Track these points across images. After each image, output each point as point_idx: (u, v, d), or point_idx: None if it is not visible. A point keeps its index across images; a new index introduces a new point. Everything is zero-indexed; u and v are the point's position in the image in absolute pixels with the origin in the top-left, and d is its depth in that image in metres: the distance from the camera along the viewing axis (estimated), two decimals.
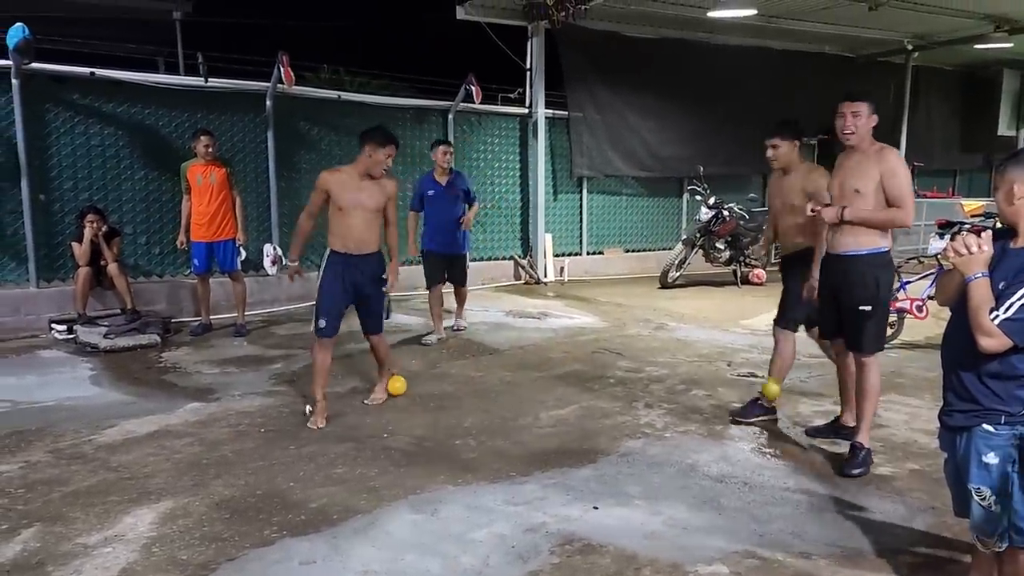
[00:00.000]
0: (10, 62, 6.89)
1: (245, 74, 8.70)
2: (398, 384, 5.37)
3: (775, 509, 3.62)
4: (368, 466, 4.12)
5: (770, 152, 4.83)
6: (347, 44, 14.55)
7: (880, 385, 4.21)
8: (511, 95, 11.49)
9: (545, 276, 10.91)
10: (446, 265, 7.39)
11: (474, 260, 10.50)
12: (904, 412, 5.06)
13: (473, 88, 9.58)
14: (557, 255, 11.16)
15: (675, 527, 3.42)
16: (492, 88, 10.75)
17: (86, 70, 7.56)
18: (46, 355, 6.55)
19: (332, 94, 9.44)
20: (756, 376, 5.89)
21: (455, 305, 7.72)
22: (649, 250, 12.28)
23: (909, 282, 7.11)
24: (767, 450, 4.38)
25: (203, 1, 12.43)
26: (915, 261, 8.07)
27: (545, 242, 10.98)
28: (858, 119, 4.00)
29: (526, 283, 10.79)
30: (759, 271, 10.83)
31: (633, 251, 12.20)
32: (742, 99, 12.07)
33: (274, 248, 8.10)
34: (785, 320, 4.85)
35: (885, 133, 4.06)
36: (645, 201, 12.32)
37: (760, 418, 4.83)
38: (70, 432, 4.60)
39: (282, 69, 7.96)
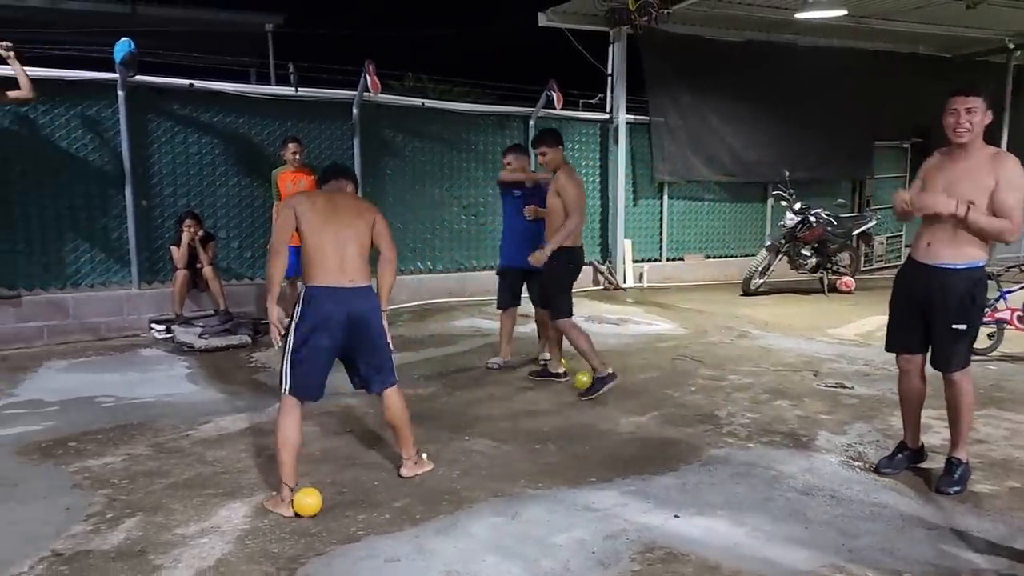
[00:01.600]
0: (116, 75, 7.29)
1: (333, 83, 8.95)
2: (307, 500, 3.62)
3: (864, 524, 3.51)
4: (449, 467, 4.18)
5: None
6: (430, 52, 14.80)
7: (974, 397, 4.00)
8: (592, 101, 11.48)
9: (624, 282, 10.85)
10: (524, 283, 6.39)
11: None
12: (1004, 427, 4.84)
13: (554, 94, 9.63)
14: (636, 261, 11.10)
15: (759, 538, 3.36)
16: (573, 94, 10.75)
17: (185, 82, 7.94)
18: (146, 353, 6.88)
19: (416, 102, 9.63)
20: (844, 387, 5.73)
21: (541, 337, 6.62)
22: (731, 256, 12.08)
23: (1010, 292, 6.79)
24: (856, 463, 4.26)
25: (294, 13, 12.87)
26: (1016, 270, 7.71)
27: (624, 248, 10.93)
28: (973, 116, 3.66)
29: (605, 289, 10.75)
30: (848, 279, 10.53)
31: (714, 257, 12.02)
32: (830, 102, 11.77)
33: None
34: None
35: (985, 136, 3.83)
36: (727, 206, 12.12)
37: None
38: (169, 427, 4.83)
39: (368, 78, 8.18)
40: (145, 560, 3.17)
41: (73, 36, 9.84)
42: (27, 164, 7.20)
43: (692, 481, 4.00)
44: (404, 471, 4.05)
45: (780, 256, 10.35)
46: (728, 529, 3.45)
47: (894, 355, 4.15)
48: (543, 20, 10.21)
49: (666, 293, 10.54)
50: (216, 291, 7.48)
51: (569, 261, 5.63)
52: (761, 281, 10.28)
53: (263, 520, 3.53)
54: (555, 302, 5.66)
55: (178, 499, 3.76)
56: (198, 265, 7.46)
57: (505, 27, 15.12)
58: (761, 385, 5.85)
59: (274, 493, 3.71)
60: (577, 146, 10.77)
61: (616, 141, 10.83)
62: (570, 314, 5.65)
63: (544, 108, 10.02)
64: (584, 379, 5.54)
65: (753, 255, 11.14)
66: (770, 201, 12.17)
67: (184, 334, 7.04)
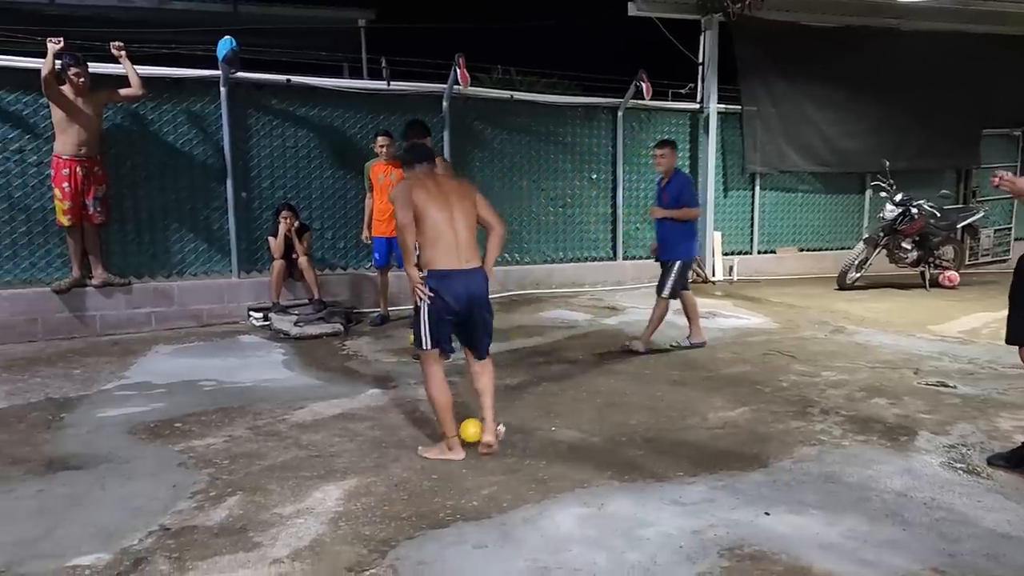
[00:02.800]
0: (219, 72, 7.59)
1: (424, 77, 9.08)
2: (470, 429, 4.38)
3: (966, 528, 3.37)
4: (536, 458, 4.21)
5: None
6: (518, 44, 14.82)
7: None
8: (681, 91, 11.30)
9: (713, 275, 10.66)
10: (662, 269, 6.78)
11: (640, 258, 10.46)
12: None
13: (643, 84, 9.53)
14: (726, 254, 10.88)
15: (854, 540, 3.26)
16: (663, 84, 10.60)
17: (283, 77, 8.20)
18: (245, 340, 7.16)
19: (504, 94, 9.69)
20: (947, 386, 5.49)
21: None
22: (826, 249, 11.71)
23: None
24: (958, 465, 4.08)
25: (386, 8, 13.10)
26: None
27: (714, 240, 10.73)
28: None
29: (693, 282, 10.52)
30: (951, 273, 10.07)
31: (808, 250, 11.67)
32: (934, 87, 11.27)
33: None
34: None
35: None
36: (823, 198, 11.75)
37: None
38: (266, 411, 5.02)
39: (458, 71, 8.28)
40: (245, 537, 3.31)
41: (178, 35, 10.29)
42: (137, 159, 7.59)
43: (783, 479, 3.91)
44: (488, 436, 4.29)
45: (879, 249, 9.98)
46: (821, 529, 3.36)
47: (1008, 352, 3.95)
48: (632, 10, 10.10)
49: (757, 287, 10.29)
50: (311, 280, 7.72)
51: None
52: (858, 275, 9.93)
53: (355, 503, 3.64)
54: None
55: (275, 480, 3.91)
56: (294, 255, 7.71)
57: (593, 18, 15.02)
58: (857, 382, 5.66)
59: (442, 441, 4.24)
60: (667, 137, 10.59)
61: (707, 131, 10.64)
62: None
63: (633, 99, 9.92)
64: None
65: (849, 248, 10.79)
66: (868, 192, 11.74)
67: (280, 322, 7.30)
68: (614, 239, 10.38)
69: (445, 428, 4.23)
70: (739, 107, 10.82)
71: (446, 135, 8.97)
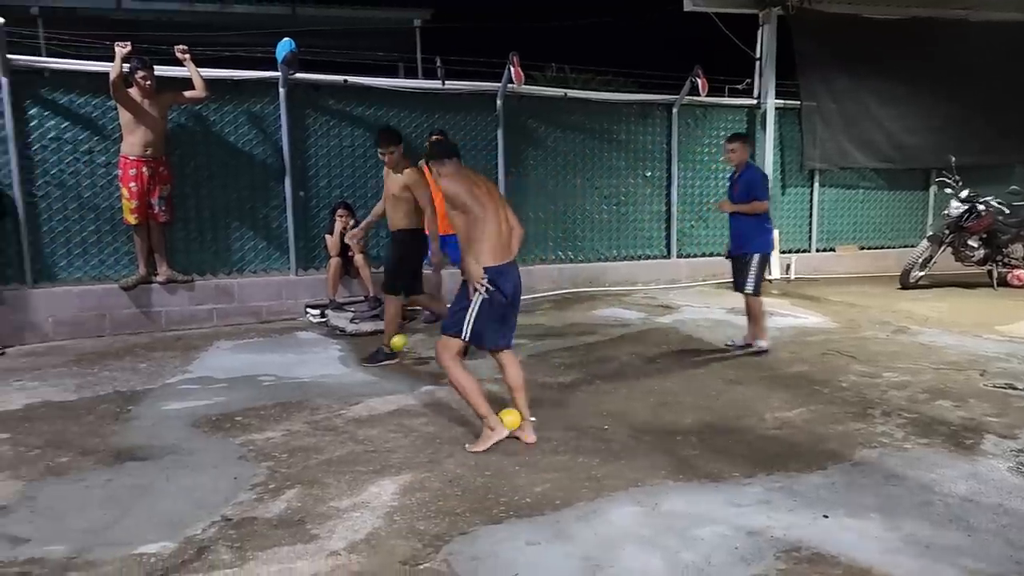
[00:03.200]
0: (278, 73, 7.75)
1: (478, 75, 9.13)
2: (510, 418, 4.43)
3: None
4: (589, 456, 4.20)
5: None
6: (572, 42, 14.80)
7: None
8: (738, 86, 11.13)
9: (770, 273, 10.47)
10: (733, 267, 6.68)
11: (694, 256, 10.35)
12: None
13: (699, 80, 9.41)
14: (783, 252, 10.68)
15: (916, 544, 3.18)
16: (719, 80, 10.47)
17: (340, 78, 8.33)
18: (302, 336, 7.30)
19: (558, 92, 9.67)
20: (1015, 388, 5.31)
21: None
22: (888, 247, 11.42)
23: None
24: None
25: (441, 8, 13.20)
26: None
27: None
28: None
29: None
30: (1021, 272, 9.72)
31: (869, 248, 11.39)
32: (1004, 81, 10.89)
33: None
34: None
35: None
36: (884, 194, 11.45)
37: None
38: (323, 406, 5.11)
39: (512, 69, 8.30)
40: (303, 529, 3.38)
41: (239, 38, 10.53)
42: (200, 159, 7.79)
43: (842, 481, 3.83)
44: (532, 436, 4.39)
45: (943, 247, 9.69)
46: (881, 533, 3.29)
47: None
48: (689, 5, 9.97)
49: (815, 285, 10.09)
50: (366, 278, 7.83)
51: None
52: (922, 274, 9.66)
53: (410, 498, 3.68)
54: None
55: (332, 474, 3.98)
56: (350, 253, 7.83)
57: (648, 14, 14.91)
58: (920, 384, 5.51)
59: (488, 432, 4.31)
60: (722, 133, 10.46)
61: (764, 127, 10.47)
62: None
63: (688, 95, 9.81)
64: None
65: (912, 246, 10.49)
66: (932, 188, 11.42)
67: (337, 318, 7.42)
68: (668, 237, 10.29)
69: (481, 410, 4.31)
70: (798, 103, 10.61)
71: (500, 133, 9.00)
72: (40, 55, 8.22)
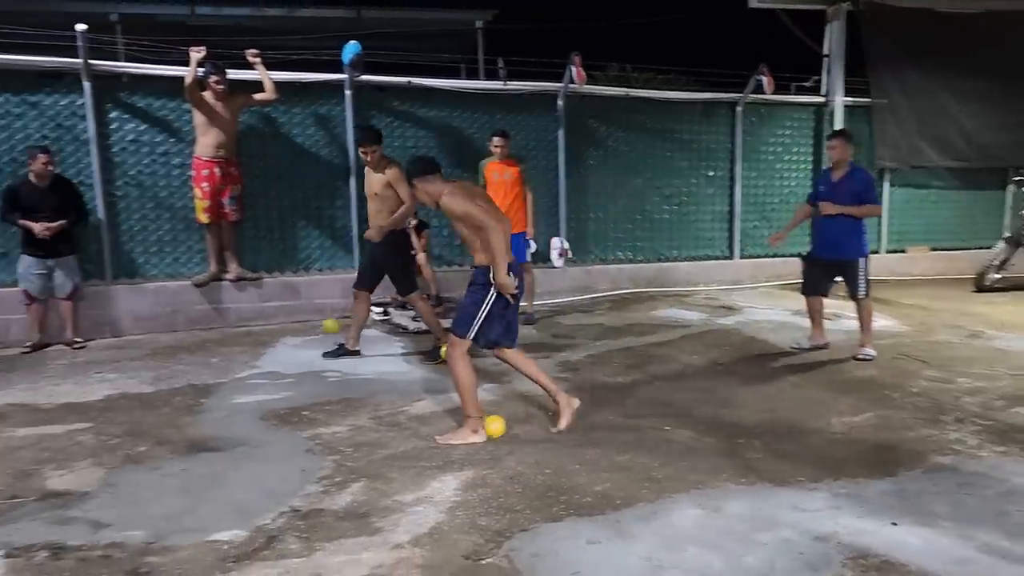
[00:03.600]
0: (344, 75, 7.91)
1: (540, 76, 9.14)
2: (495, 426, 4.56)
3: None
4: (650, 456, 4.19)
5: None
6: (635, 41, 14.71)
7: None
8: (805, 84, 10.92)
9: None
10: (832, 272, 6.48)
11: (758, 257, 10.19)
12: None
13: (764, 78, 9.27)
14: None
15: (991, 554, 3.09)
16: (784, 77, 10.28)
17: (404, 79, 8.45)
18: (367, 333, 7.37)
19: (620, 91, 9.63)
20: None
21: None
22: (962, 249, 11.04)
23: None
24: None
25: (504, 9, 13.26)
26: None
27: None
28: None
29: None
30: None
31: (942, 250, 11.04)
32: None
33: (561, 242, 8.51)
34: None
35: None
36: (958, 194, 11.08)
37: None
38: (387, 402, 5.20)
39: (574, 69, 8.31)
40: (368, 522, 3.45)
41: (306, 41, 10.75)
42: (269, 159, 8.00)
43: (912, 488, 3.74)
44: (565, 420, 4.60)
45: (1021, 248, 9.34)
46: (953, 542, 3.20)
47: None
48: (754, 2, 9.83)
49: (884, 287, 9.81)
50: (428, 277, 7.93)
51: None
52: (998, 276, 9.33)
53: (471, 494, 3.73)
54: None
55: (396, 469, 4.05)
56: (412, 252, 7.93)
57: (712, 11, 14.72)
58: (996, 390, 5.33)
59: (466, 426, 4.47)
60: (788, 132, 10.30)
61: (832, 125, 10.23)
62: None
63: (753, 93, 9.67)
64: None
65: (988, 247, 10.13)
66: (1011, 188, 10.99)
67: (399, 317, 7.54)
68: (730, 237, 10.15)
69: (470, 409, 4.47)
70: (867, 100, 10.37)
71: (560, 133, 9.02)
72: (119, 60, 8.51)
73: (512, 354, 4.66)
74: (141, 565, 3.08)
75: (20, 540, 3.29)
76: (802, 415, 4.88)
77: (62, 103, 7.28)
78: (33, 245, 6.70)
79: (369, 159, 6.18)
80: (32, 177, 6.67)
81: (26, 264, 6.73)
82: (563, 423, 4.59)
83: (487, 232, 4.29)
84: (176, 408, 5.13)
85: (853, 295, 6.36)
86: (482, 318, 4.40)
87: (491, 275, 4.35)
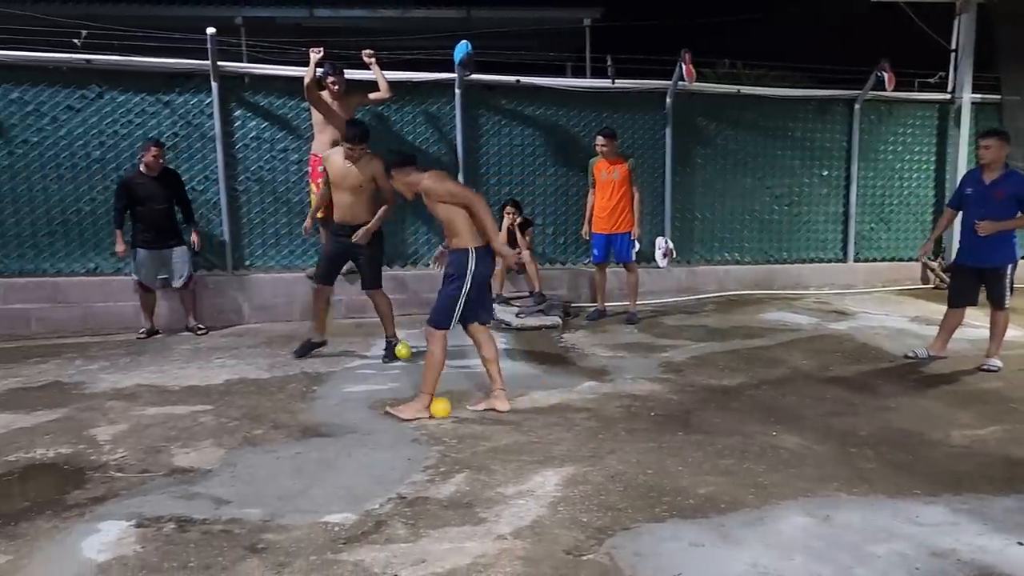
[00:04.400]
0: (454, 75, 8.05)
1: (647, 73, 9.06)
2: (440, 406, 4.88)
3: None
4: (756, 462, 4.10)
5: None
6: (746, 37, 14.35)
7: None
8: (929, 80, 10.39)
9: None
10: (979, 280, 6.08)
11: (873, 260, 9.80)
12: None
13: (886, 75, 8.88)
14: None
15: None
16: (906, 73, 9.81)
17: (512, 78, 8.54)
18: None
19: (731, 89, 9.42)
20: None
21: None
22: None
23: None
24: None
25: (611, 7, 13.19)
26: None
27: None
28: None
29: (935, 287, 9.71)
30: None
31: None
32: None
33: (666, 241, 8.41)
34: None
35: None
36: None
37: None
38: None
39: (684, 67, 8.19)
40: (472, 512, 3.52)
41: (418, 41, 11.00)
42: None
43: None
44: (505, 404, 4.93)
45: None
46: None
47: None
48: None
49: (1016, 295, 9.23)
50: (532, 274, 7.99)
51: None
52: None
53: (573, 490, 3.75)
54: None
55: (499, 461, 4.11)
56: (516, 249, 8.00)
57: (829, 5, 14.21)
58: None
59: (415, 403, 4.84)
60: (910, 130, 9.84)
61: (958, 124, 9.73)
62: None
63: (872, 90, 9.29)
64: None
65: None
66: None
67: (503, 313, 7.63)
68: (845, 240, 9.79)
69: (428, 387, 4.79)
70: (997, 97, 9.79)
71: (668, 132, 8.91)
72: (242, 61, 8.95)
73: (483, 335, 4.99)
74: (259, 541, 3.25)
75: (150, 512, 3.52)
76: (919, 426, 4.67)
77: (191, 102, 7.71)
78: (146, 238, 7.11)
79: (356, 156, 5.99)
80: (142, 168, 7.07)
81: (140, 256, 7.15)
82: (479, 406, 4.98)
83: (474, 206, 4.65)
84: (290, 394, 5.36)
85: (996, 304, 6.00)
86: (461, 306, 4.75)
87: (468, 261, 4.71)
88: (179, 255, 7.26)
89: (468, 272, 4.73)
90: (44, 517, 3.49)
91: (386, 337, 6.38)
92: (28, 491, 3.79)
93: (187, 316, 7.39)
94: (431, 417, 4.79)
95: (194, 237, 7.34)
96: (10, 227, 7.41)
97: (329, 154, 6.22)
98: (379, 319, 6.42)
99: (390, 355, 6.33)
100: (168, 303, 7.45)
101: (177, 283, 7.27)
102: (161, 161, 7.11)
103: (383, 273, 6.49)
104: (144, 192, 7.02)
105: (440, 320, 4.81)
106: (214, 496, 3.70)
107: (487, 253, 4.82)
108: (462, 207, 4.71)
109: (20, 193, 7.39)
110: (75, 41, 7.53)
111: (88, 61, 7.40)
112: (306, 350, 6.39)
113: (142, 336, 7.18)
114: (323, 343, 6.50)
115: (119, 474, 3.99)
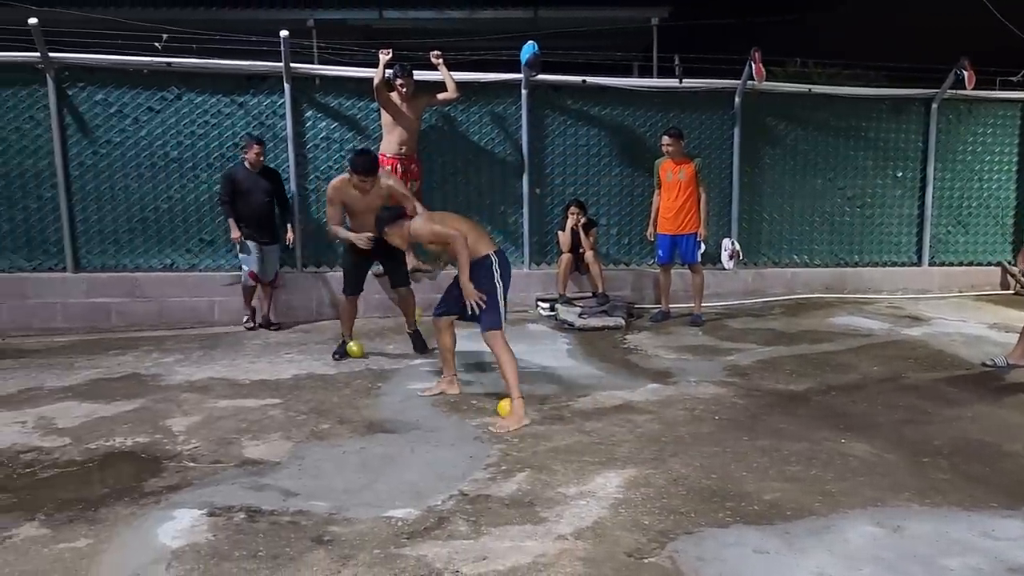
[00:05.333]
0: (521, 75, 8.09)
1: (715, 73, 8.95)
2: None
3: None
4: (823, 469, 4.02)
5: None
6: (817, 35, 14.04)
7: None
8: (1012, 78, 10.00)
9: None
10: None
11: (950, 264, 9.48)
12: None
13: (966, 72, 8.58)
14: None
15: None
16: (987, 71, 9.45)
17: (578, 78, 8.53)
18: (532, 328, 7.58)
19: (802, 88, 9.24)
20: None
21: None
22: None
23: None
24: None
25: (679, 5, 13.05)
26: None
27: None
28: None
29: (1016, 293, 9.36)
30: None
31: None
32: None
33: (732, 243, 8.29)
34: None
35: None
36: None
37: None
38: (552, 396, 5.29)
39: (753, 66, 8.06)
40: (533, 511, 3.54)
41: (485, 42, 11.08)
42: (447, 156, 8.33)
43: None
44: (454, 388, 5.34)
45: None
46: None
47: None
48: None
49: None
50: (595, 274, 7.97)
51: None
52: None
53: (635, 492, 3.73)
54: None
55: (560, 462, 4.12)
56: (580, 250, 8.00)
57: (905, 3, 13.80)
58: None
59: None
60: (990, 130, 9.49)
61: None
62: None
63: (951, 88, 8.98)
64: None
65: None
66: None
67: (566, 313, 7.63)
68: (919, 243, 9.49)
69: (517, 390, 4.74)
70: None
71: (736, 132, 8.78)
72: (313, 63, 9.16)
73: (448, 327, 5.26)
74: (325, 533, 3.33)
75: (221, 501, 3.64)
76: (997, 437, 4.50)
77: (265, 103, 7.92)
78: (247, 232, 7.32)
79: (368, 186, 5.98)
80: (246, 164, 7.30)
81: (251, 248, 7.37)
82: (428, 391, 5.32)
83: (454, 244, 4.80)
84: (356, 390, 5.47)
85: None
86: (504, 306, 4.94)
87: (491, 266, 4.90)
88: (274, 252, 7.51)
89: (495, 275, 4.90)
90: (122, 503, 3.64)
91: (408, 331, 6.69)
92: (107, 478, 3.96)
93: (268, 312, 7.59)
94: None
95: (289, 234, 7.59)
96: (93, 224, 7.73)
97: (339, 187, 6.16)
98: (403, 315, 6.76)
99: (420, 347, 6.57)
100: (236, 299, 7.65)
101: (267, 279, 7.49)
102: (263, 159, 7.34)
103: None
104: (247, 186, 7.28)
105: (493, 322, 4.86)
106: (282, 488, 3.80)
107: (502, 256, 5.06)
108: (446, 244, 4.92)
109: (103, 191, 7.71)
110: (156, 44, 7.83)
111: (168, 64, 7.68)
112: (342, 352, 6.44)
113: (251, 327, 7.45)
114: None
115: (192, 464, 4.14)
